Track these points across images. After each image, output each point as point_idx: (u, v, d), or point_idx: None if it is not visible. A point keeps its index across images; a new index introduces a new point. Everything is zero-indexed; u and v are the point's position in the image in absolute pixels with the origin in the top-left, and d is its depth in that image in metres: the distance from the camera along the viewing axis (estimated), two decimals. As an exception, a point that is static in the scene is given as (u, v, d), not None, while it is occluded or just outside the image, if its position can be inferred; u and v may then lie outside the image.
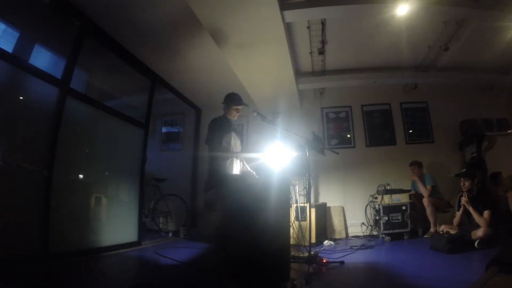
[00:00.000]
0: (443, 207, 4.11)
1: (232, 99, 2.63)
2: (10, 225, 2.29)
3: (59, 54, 3.06)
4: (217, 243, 2.18)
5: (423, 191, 4.14)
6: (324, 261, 2.55)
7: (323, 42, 3.80)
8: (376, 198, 4.29)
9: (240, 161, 2.63)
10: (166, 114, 5.97)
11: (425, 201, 4.01)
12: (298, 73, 4.56)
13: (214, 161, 2.39)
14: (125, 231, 3.63)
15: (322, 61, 4.25)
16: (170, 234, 4.81)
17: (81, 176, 3.07)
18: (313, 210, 3.81)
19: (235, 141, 2.62)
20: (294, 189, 3.57)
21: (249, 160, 2.71)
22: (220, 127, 2.50)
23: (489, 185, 4.07)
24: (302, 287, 1.96)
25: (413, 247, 3.52)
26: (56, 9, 2.89)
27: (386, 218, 3.93)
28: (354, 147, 5.20)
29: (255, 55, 3.55)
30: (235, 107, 2.62)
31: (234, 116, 2.65)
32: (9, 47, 2.49)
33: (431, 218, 3.99)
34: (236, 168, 2.56)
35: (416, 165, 4.38)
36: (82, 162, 3.08)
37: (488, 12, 3.03)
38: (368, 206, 4.56)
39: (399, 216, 3.94)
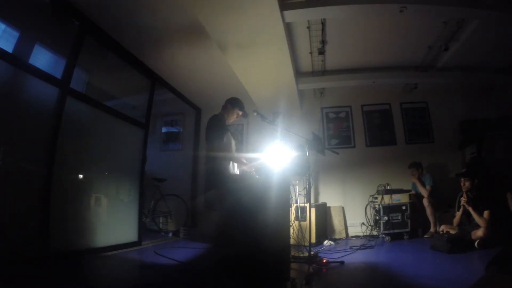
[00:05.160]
0: (443, 207, 4.11)
1: (240, 104, 2.66)
2: (10, 225, 2.29)
3: (59, 54, 3.06)
4: (217, 243, 2.18)
5: (423, 191, 4.14)
6: (324, 261, 2.55)
7: (323, 42, 3.80)
8: (376, 198, 4.29)
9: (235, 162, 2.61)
10: (166, 114, 5.98)
11: (425, 202, 4.02)
12: (298, 73, 4.56)
13: (215, 160, 2.35)
14: (125, 231, 3.62)
15: (322, 61, 4.24)
16: (170, 234, 4.81)
17: (81, 176, 3.06)
18: (313, 210, 3.81)
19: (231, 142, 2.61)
20: (294, 189, 3.57)
21: (249, 160, 2.70)
22: (220, 124, 2.48)
23: (491, 184, 4.06)
24: (302, 287, 1.96)
25: (413, 247, 3.52)
26: (56, 9, 2.89)
27: (386, 218, 3.93)
28: (354, 147, 5.21)
29: (255, 55, 3.54)
30: (239, 111, 2.63)
31: (231, 119, 2.65)
32: (9, 47, 2.48)
33: (431, 218, 4.00)
34: (235, 168, 2.56)
35: (414, 167, 4.38)
36: (82, 162, 3.08)
37: (488, 12, 3.03)
38: (368, 206, 4.56)
39: (399, 216, 3.94)
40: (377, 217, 4.09)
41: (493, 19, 3.19)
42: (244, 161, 2.59)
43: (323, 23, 3.42)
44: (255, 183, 2.29)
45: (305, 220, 3.84)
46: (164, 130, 6.03)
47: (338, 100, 5.39)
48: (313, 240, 3.62)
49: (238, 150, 2.70)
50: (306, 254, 2.59)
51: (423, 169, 4.40)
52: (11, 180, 2.36)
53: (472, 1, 2.98)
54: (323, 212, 4.59)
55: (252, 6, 2.69)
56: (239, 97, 2.70)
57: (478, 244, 2.98)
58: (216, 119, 2.50)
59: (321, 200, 4.98)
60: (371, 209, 4.42)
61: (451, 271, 2.33)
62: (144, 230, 4.22)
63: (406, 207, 3.97)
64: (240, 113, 2.65)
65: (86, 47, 3.05)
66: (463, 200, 3.28)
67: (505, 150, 4.30)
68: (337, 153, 3.41)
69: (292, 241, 2.96)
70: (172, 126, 6.03)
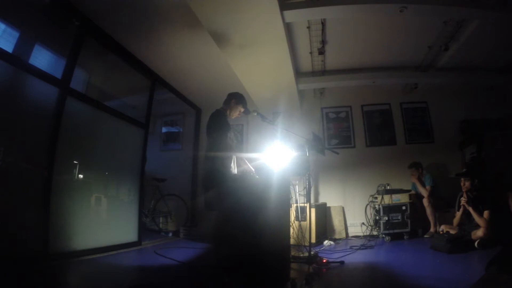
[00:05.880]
0: (443, 207, 4.11)
1: (244, 100, 2.60)
2: (10, 225, 2.29)
3: (59, 54, 3.06)
4: (217, 243, 2.17)
5: (423, 191, 4.14)
6: (324, 261, 2.55)
7: (323, 42, 3.81)
8: (376, 198, 4.29)
9: (235, 162, 2.58)
10: (166, 114, 5.98)
11: (425, 202, 4.02)
12: (298, 73, 4.56)
13: (216, 158, 2.26)
14: (125, 231, 3.63)
15: (322, 61, 4.25)
16: (170, 234, 4.81)
17: (81, 176, 3.06)
18: (313, 210, 3.81)
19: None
20: (294, 189, 3.57)
21: (249, 160, 2.70)
22: (224, 120, 2.39)
23: (491, 184, 4.06)
24: (302, 287, 1.96)
25: (413, 247, 3.52)
26: (56, 9, 2.89)
27: (386, 218, 3.93)
28: (354, 147, 5.21)
29: (255, 55, 3.54)
30: (242, 108, 2.57)
31: (233, 116, 2.58)
32: (9, 47, 2.49)
33: (431, 218, 4.00)
34: (235, 168, 2.55)
35: (414, 167, 4.38)
36: (82, 162, 3.08)
37: (488, 12, 3.03)
38: (368, 206, 4.56)
39: (399, 216, 3.94)
40: (377, 217, 4.09)
41: (493, 19, 3.19)
42: (245, 160, 2.58)
43: (323, 23, 3.42)
44: (255, 183, 2.28)
45: (305, 220, 3.84)
46: (164, 130, 6.03)
47: (338, 100, 5.39)
48: (313, 240, 3.62)
49: (238, 150, 2.68)
50: (306, 254, 2.59)
51: (423, 169, 4.40)
52: (11, 180, 2.36)
53: (472, 1, 2.97)
54: (323, 212, 4.59)
55: (252, 6, 2.69)
56: (239, 97, 2.68)
57: (478, 244, 2.98)
58: (219, 115, 2.42)
59: (321, 200, 4.98)
60: (371, 209, 4.42)
61: (451, 271, 2.33)
62: (144, 230, 4.21)
63: (406, 207, 3.97)
64: (243, 110, 2.58)
65: (86, 47, 3.05)
66: (463, 200, 3.28)
67: (505, 150, 4.30)
68: (337, 153, 3.40)
69: (292, 241, 2.96)
70: (172, 126, 6.03)
